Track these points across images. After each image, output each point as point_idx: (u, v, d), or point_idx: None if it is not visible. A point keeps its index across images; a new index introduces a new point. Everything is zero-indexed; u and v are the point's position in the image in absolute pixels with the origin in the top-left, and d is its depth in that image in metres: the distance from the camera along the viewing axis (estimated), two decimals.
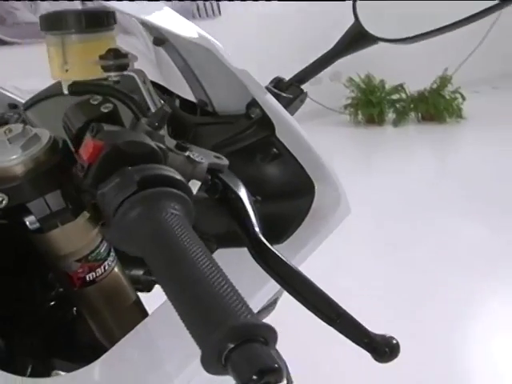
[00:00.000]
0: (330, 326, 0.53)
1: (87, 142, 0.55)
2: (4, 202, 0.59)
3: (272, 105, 0.76)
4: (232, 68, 0.72)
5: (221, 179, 0.64)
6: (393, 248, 3.06)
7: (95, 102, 0.63)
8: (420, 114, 5.37)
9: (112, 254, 0.71)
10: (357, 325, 0.52)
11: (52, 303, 0.77)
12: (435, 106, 5.21)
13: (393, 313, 2.43)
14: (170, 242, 0.47)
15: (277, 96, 0.80)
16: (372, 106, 5.27)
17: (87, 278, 0.67)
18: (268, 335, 0.39)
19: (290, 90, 0.82)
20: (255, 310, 0.43)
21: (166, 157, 0.58)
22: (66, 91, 0.68)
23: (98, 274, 0.68)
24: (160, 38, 0.75)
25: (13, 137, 0.60)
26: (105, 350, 0.75)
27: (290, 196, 0.83)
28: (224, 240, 0.77)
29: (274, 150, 0.81)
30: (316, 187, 0.82)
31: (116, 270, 0.71)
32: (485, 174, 3.97)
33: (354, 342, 0.52)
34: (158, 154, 0.56)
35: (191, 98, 0.86)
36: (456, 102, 5.23)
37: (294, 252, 0.78)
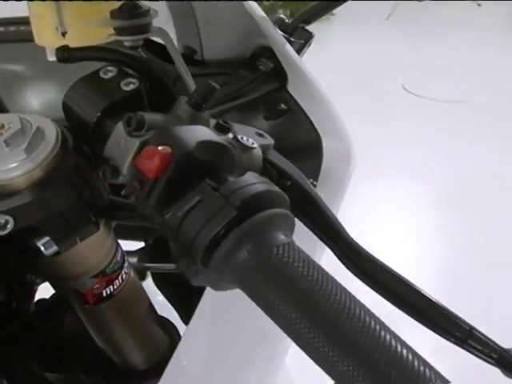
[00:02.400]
0: (457, 345, 0.45)
1: (149, 150, 0.40)
2: (9, 226, 0.43)
3: (290, 55, 0.63)
4: (254, 14, 0.58)
5: (271, 163, 0.52)
6: None
7: (107, 76, 0.48)
8: (289, 12, 5.26)
9: (125, 256, 0.57)
10: (487, 341, 0.45)
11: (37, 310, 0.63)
12: (305, 4, 5.11)
13: None
14: (300, 290, 0.36)
15: (287, 42, 0.67)
16: None
17: (104, 294, 0.54)
18: None
19: (297, 34, 0.69)
20: None
21: (237, 154, 0.45)
22: (51, 58, 0.51)
23: (115, 287, 0.55)
24: None
25: (11, 137, 0.44)
26: (112, 362, 0.64)
27: (297, 157, 0.73)
28: None
29: (282, 105, 0.69)
30: (324, 145, 0.72)
31: (132, 274, 0.58)
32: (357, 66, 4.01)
33: (482, 359, 0.45)
34: (233, 154, 0.43)
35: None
36: None
37: None
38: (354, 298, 0.36)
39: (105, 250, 0.52)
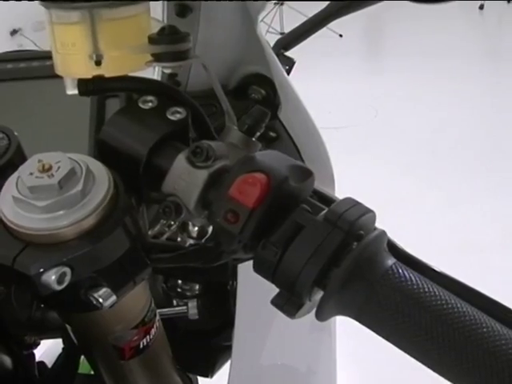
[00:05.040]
0: None
1: (247, 178, 0.37)
2: (67, 279, 0.39)
3: (288, 83, 0.63)
4: (262, 39, 0.57)
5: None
6: None
7: (148, 106, 0.44)
8: None
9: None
10: None
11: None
12: None
13: None
14: (426, 305, 0.35)
15: None
16: None
17: (141, 345, 0.50)
18: None
19: (281, 60, 0.69)
20: None
21: None
22: (70, 90, 0.46)
23: (151, 336, 0.50)
24: (186, 6, 0.55)
25: (64, 178, 0.39)
26: None
27: None
28: None
29: (271, 133, 0.68)
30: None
31: (160, 321, 0.53)
32: None
33: None
34: (314, 179, 0.42)
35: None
36: None
37: None
38: (468, 305, 0.36)
39: (146, 295, 0.48)
